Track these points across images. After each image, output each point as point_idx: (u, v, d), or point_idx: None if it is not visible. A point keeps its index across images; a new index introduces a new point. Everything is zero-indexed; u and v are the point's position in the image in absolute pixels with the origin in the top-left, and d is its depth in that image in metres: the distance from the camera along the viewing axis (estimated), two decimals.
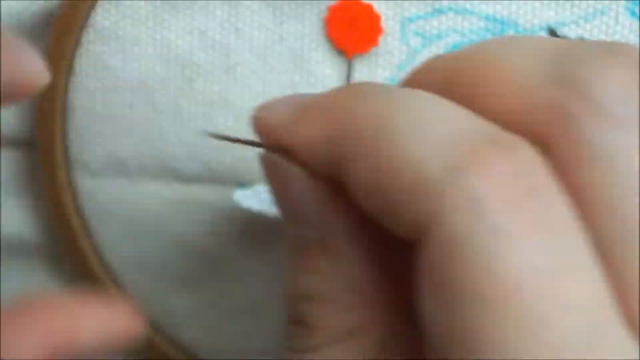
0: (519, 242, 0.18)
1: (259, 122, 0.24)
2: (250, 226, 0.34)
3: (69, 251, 0.34)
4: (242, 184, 0.33)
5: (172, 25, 0.31)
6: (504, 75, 0.21)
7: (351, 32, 0.31)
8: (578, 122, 0.19)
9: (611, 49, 0.20)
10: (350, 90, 0.22)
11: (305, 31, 0.31)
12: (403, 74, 0.31)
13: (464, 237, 0.18)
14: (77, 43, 0.32)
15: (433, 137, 0.19)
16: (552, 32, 0.31)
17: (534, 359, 0.18)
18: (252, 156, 0.32)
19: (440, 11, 0.31)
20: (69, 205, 0.34)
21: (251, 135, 0.25)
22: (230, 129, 0.32)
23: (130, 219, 0.34)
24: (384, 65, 0.31)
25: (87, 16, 0.31)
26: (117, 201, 0.34)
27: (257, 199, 0.33)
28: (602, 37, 0.30)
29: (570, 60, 0.20)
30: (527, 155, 0.19)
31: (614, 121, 0.19)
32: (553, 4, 0.30)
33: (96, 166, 0.33)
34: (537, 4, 0.30)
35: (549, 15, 0.30)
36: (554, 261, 0.18)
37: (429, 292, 0.19)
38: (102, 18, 0.31)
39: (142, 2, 0.31)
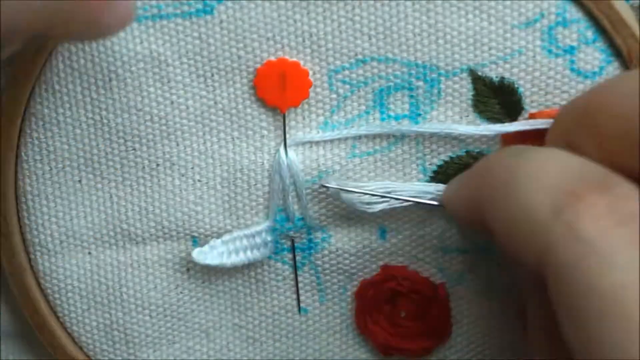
0: (615, 258, 0.22)
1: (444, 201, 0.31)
2: (210, 277, 0.36)
3: (38, 330, 0.36)
4: (195, 237, 0.35)
5: (110, 106, 0.33)
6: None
7: (282, 89, 0.33)
8: None
9: None
10: (493, 154, 0.29)
11: (237, 93, 0.33)
12: (336, 118, 0.33)
13: (567, 261, 0.23)
14: (21, 131, 0.34)
15: (546, 185, 0.24)
16: (474, 74, 0.33)
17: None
18: (200, 210, 0.34)
19: (363, 61, 0.33)
20: (32, 287, 0.35)
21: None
22: (178, 188, 0.34)
23: (92, 291, 0.36)
24: (317, 112, 0.34)
25: (27, 105, 0.33)
26: (78, 276, 0.36)
27: (213, 253, 0.35)
28: (522, 74, 0.33)
29: None
30: (622, 191, 0.24)
31: None
32: (471, 47, 0.33)
33: (54, 245, 0.35)
34: (455, 47, 0.33)
35: (469, 58, 0.33)
36: None
37: (557, 314, 0.24)
38: (41, 106, 0.33)
39: (79, 88, 0.33)
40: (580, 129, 0.27)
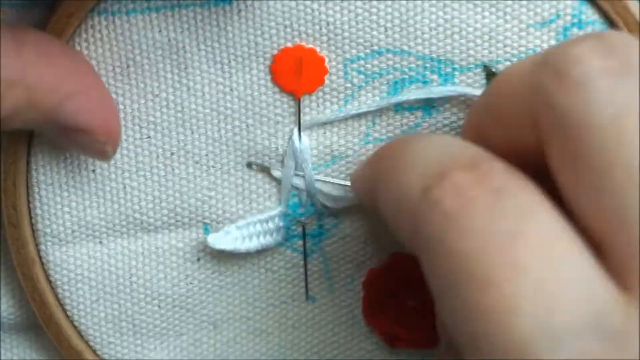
0: (472, 225, 0.24)
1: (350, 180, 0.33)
2: (220, 268, 0.36)
3: (45, 322, 0.36)
4: (206, 224, 0.36)
5: (126, 92, 0.34)
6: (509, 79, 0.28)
7: (298, 75, 0.34)
8: (546, 91, 0.25)
9: (586, 34, 0.27)
10: (386, 144, 0.31)
11: (254, 79, 0.34)
12: (349, 108, 0.34)
13: (432, 234, 0.24)
14: None
15: (420, 168, 0.26)
16: (488, 69, 0.34)
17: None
18: (213, 195, 0.35)
19: (378, 52, 0.33)
20: (40, 279, 0.36)
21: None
22: (192, 175, 0.35)
23: (102, 280, 0.36)
24: (331, 100, 0.34)
25: None
26: (88, 265, 0.36)
27: (228, 239, 0.35)
28: None
29: (550, 50, 0.26)
30: (489, 168, 0.25)
31: (571, 83, 0.24)
32: (486, 43, 0.33)
33: (65, 235, 0.35)
34: (470, 43, 0.33)
35: (483, 54, 0.33)
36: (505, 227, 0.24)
37: (432, 290, 0.25)
38: None
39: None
40: (486, 115, 0.29)
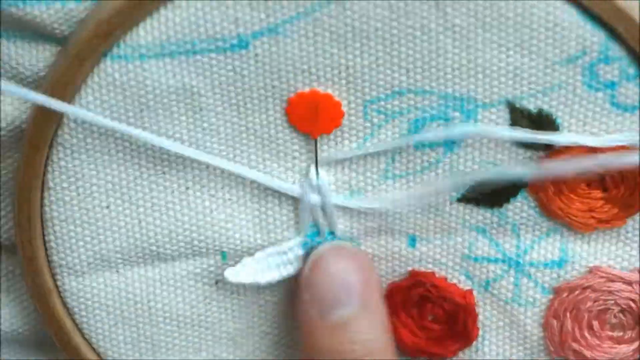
0: None
1: None
2: (239, 289, 0.36)
3: (63, 347, 0.36)
4: (224, 251, 0.35)
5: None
6: None
7: (314, 118, 0.33)
8: None
9: None
10: None
11: (270, 119, 0.33)
12: (369, 145, 0.33)
13: None
14: (48, 158, 0.33)
15: None
16: (512, 106, 0.33)
17: None
18: (230, 227, 0.35)
19: (399, 93, 0.33)
20: (57, 307, 0.36)
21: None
22: (208, 208, 0.35)
23: (120, 306, 0.36)
24: (350, 139, 0.34)
25: (55, 134, 0.33)
26: (105, 293, 0.36)
27: (246, 271, 0.35)
28: (561, 107, 0.33)
29: None
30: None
31: None
32: (510, 81, 0.32)
33: (81, 267, 0.35)
34: (494, 81, 0.32)
35: (507, 91, 0.33)
36: None
37: None
38: (69, 136, 0.33)
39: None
40: None
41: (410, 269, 0.36)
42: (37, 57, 0.33)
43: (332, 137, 0.34)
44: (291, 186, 0.34)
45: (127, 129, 0.32)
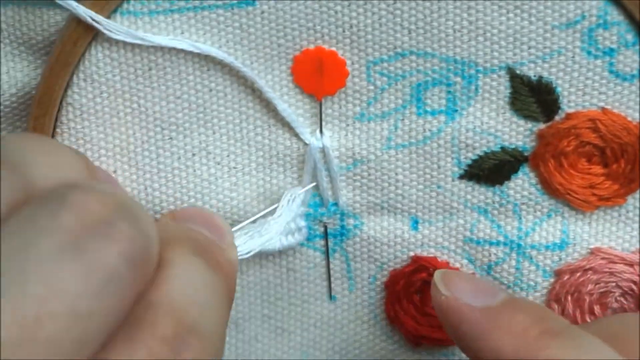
0: None
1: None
2: (242, 267, 0.37)
3: None
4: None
5: (148, 95, 0.34)
6: None
7: (318, 77, 0.34)
8: None
9: None
10: None
11: (275, 80, 0.34)
12: (372, 110, 0.34)
13: None
14: (57, 121, 0.34)
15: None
16: (512, 72, 0.34)
17: None
18: (235, 196, 0.35)
19: (402, 54, 0.34)
20: None
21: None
22: (213, 176, 0.35)
23: None
24: (354, 102, 0.35)
25: (64, 94, 0.34)
26: None
27: (249, 240, 0.35)
28: (561, 74, 0.34)
29: None
30: None
31: None
32: (510, 45, 0.33)
33: None
34: (495, 45, 0.33)
35: (507, 56, 0.33)
36: None
37: None
38: (79, 96, 0.34)
39: (118, 77, 0.34)
40: None
41: (412, 254, 0.36)
42: (48, 22, 0.34)
43: (336, 100, 0.34)
44: (296, 149, 0.35)
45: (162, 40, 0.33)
